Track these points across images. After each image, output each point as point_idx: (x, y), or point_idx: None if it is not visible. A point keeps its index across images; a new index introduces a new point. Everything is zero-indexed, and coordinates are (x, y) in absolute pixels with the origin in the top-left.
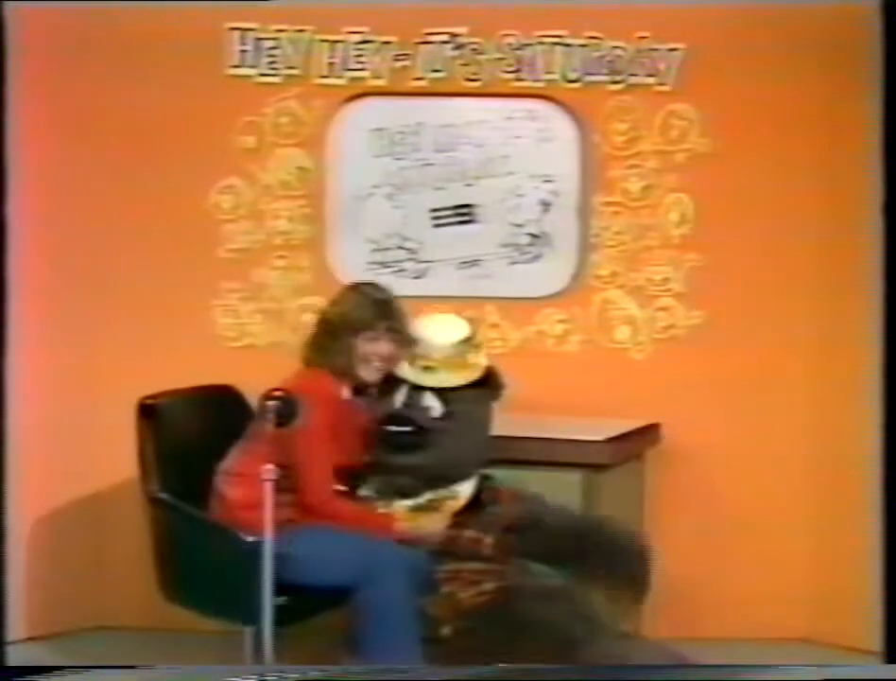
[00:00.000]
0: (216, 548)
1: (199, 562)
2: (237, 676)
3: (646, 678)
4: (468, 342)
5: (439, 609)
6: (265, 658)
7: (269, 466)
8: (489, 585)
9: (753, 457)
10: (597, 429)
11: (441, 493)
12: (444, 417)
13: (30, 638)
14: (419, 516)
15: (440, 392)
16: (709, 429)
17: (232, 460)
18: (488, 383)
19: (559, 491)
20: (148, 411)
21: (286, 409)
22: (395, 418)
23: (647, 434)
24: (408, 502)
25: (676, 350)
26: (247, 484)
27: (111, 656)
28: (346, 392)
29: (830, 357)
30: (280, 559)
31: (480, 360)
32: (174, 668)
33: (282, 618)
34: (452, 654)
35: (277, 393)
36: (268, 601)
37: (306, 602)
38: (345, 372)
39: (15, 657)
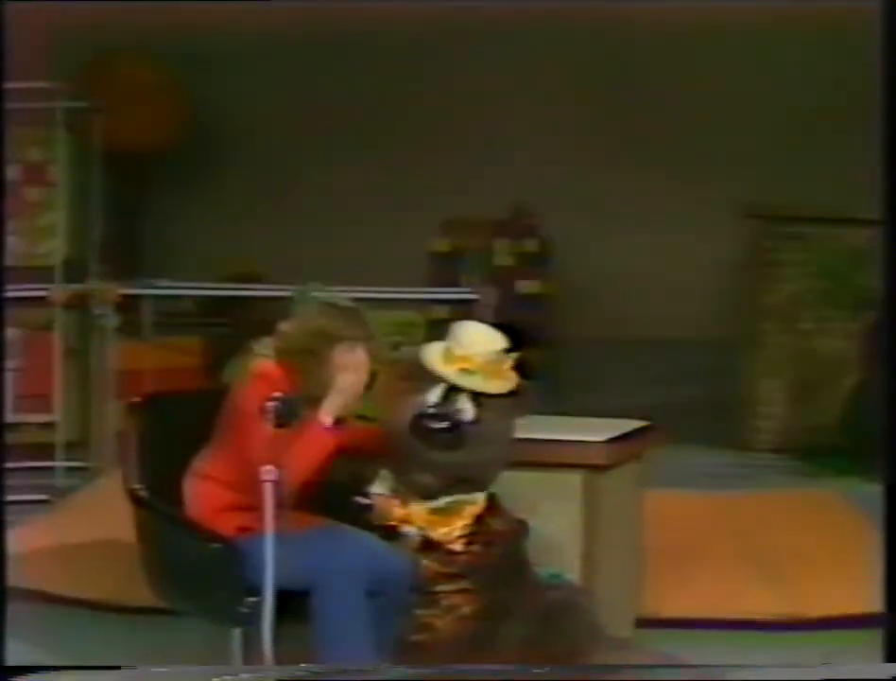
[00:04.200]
0: (187, 549)
1: (174, 561)
2: (232, 676)
3: (646, 679)
4: (505, 353)
5: (437, 619)
6: (263, 657)
7: (269, 467)
8: (474, 605)
9: None
10: (597, 430)
11: (461, 497)
12: (475, 421)
13: (28, 637)
14: (438, 519)
15: (474, 397)
16: None
17: (200, 461)
18: (518, 398)
19: (559, 491)
20: (135, 409)
21: (286, 409)
22: (432, 416)
23: (647, 435)
24: (429, 504)
25: None
26: (212, 487)
27: (106, 655)
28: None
29: None
30: (245, 562)
31: (514, 373)
32: (170, 668)
33: (250, 619)
34: (449, 656)
35: (276, 394)
36: (269, 601)
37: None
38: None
39: (14, 657)
